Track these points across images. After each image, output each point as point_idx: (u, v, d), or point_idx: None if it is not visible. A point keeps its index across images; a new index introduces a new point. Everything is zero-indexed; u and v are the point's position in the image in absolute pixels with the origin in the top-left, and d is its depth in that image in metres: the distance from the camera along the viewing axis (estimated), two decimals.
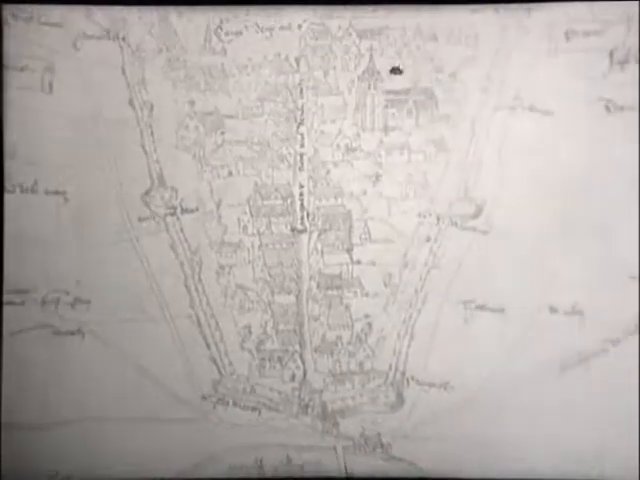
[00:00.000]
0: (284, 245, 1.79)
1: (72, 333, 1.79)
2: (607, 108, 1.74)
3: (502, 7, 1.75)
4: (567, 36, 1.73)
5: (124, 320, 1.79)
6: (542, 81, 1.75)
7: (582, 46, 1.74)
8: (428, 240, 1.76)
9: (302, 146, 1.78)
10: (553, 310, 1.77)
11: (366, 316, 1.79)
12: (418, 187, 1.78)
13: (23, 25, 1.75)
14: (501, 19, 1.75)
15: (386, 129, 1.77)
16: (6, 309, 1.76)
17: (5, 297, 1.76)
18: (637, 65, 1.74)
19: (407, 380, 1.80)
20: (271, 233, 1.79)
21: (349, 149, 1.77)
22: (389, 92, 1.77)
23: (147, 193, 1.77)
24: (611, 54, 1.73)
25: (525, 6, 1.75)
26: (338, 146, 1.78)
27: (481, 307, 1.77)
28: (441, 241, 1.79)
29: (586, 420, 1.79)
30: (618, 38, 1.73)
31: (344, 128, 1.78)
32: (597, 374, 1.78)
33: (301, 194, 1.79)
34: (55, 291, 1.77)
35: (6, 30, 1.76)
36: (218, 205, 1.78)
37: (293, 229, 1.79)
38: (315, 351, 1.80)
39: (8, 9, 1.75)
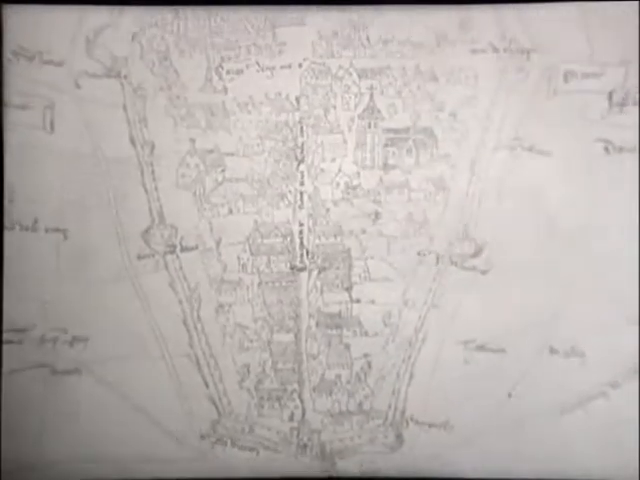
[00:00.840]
0: (283, 283, 1.79)
1: (70, 372, 1.78)
2: (606, 149, 1.75)
3: (502, 48, 1.75)
4: (566, 78, 1.74)
5: (122, 358, 1.78)
6: (541, 122, 1.75)
7: (581, 88, 1.75)
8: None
9: (302, 184, 1.78)
10: (553, 351, 1.77)
11: (365, 355, 1.79)
12: (418, 226, 1.78)
13: (25, 63, 1.75)
14: (500, 60, 1.76)
15: (386, 167, 1.77)
16: (4, 348, 1.75)
17: (3, 336, 1.74)
18: (636, 107, 1.74)
19: (406, 420, 1.79)
20: (271, 271, 1.79)
21: (349, 187, 1.78)
22: (389, 131, 1.77)
23: (147, 231, 1.77)
24: (610, 96, 1.74)
25: (524, 48, 1.75)
26: (338, 184, 1.78)
27: (481, 347, 1.76)
28: (440, 280, 1.78)
29: (585, 463, 1.78)
30: (617, 80, 1.74)
31: (344, 166, 1.78)
32: (597, 418, 1.77)
33: (301, 232, 1.79)
34: (53, 329, 1.76)
35: (8, 68, 1.75)
36: (218, 243, 1.78)
37: (293, 267, 1.78)
38: (314, 390, 1.79)
39: (9, 9, 1.74)
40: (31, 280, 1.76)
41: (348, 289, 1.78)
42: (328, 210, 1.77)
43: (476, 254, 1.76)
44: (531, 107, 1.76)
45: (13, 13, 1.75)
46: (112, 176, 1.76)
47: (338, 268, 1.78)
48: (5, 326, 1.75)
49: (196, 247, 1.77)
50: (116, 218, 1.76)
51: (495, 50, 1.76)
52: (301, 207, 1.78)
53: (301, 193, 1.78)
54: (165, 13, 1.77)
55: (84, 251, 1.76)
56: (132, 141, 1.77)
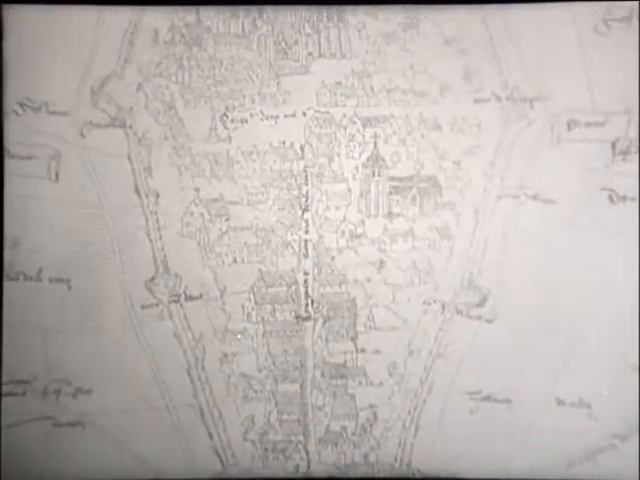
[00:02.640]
0: (288, 333, 1.78)
1: (73, 425, 1.76)
2: (610, 198, 1.75)
3: (504, 97, 1.76)
4: (569, 126, 1.75)
5: (125, 410, 1.77)
6: (545, 170, 1.76)
7: (584, 136, 1.75)
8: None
9: (307, 233, 1.78)
10: (560, 402, 1.75)
11: (371, 406, 1.78)
12: (423, 274, 1.77)
13: (31, 114, 1.75)
14: (504, 109, 1.77)
15: (390, 216, 1.77)
16: (5, 400, 1.74)
17: (4, 388, 1.73)
18: (637, 155, 1.75)
19: (413, 472, 1.78)
20: (275, 321, 1.78)
21: (353, 236, 1.77)
22: (393, 179, 1.78)
23: (151, 280, 1.76)
24: (613, 145, 1.75)
25: (527, 97, 1.76)
26: (342, 233, 1.78)
27: (487, 398, 1.76)
28: (446, 329, 1.77)
29: None
30: (620, 129, 1.75)
31: (348, 215, 1.78)
32: (604, 470, 1.76)
33: (305, 281, 1.78)
34: (56, 381, 1.75)
35: (13, 118, 1.76)
36: (222, 292, 1.77)
37: (297, 317, 1.78)
38: (319, 442, 1.78)
39: (16, 60, 1.75)
40: (34, 331, 1.74)
41: (353, 339, 1.78)
42: (333, 258, 1.77)
43: (481, 303, 1.76)
44: (535, 155, 1.76)
45: (19, 63, 1.76)
46: (116, 225, 1.76)
47: (343, 317, 1.78)
48: (6, 378, 1.73)
49: (200, 296, 1.77)
50: (120, 268, 1.75)
51: (498, 99, 1.76)
52: (306, 256, 1.77)
53: (305, 242, 1.77)
54: (170, 63, 1.77)
55: (88, 301, 1.75)
56: (137, 190, 1.77)
